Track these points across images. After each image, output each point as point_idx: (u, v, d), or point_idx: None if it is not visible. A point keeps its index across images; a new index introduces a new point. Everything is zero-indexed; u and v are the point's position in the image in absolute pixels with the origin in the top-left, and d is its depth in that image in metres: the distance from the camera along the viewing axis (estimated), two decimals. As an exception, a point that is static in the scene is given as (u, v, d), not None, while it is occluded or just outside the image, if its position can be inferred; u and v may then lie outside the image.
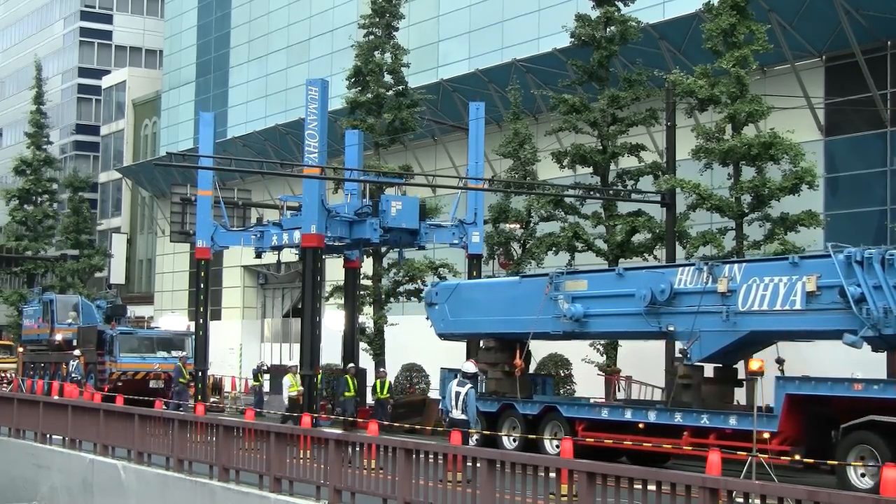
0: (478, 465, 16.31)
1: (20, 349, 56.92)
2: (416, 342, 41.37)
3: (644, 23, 37.54)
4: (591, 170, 37.25)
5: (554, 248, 36.73)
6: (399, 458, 17.42)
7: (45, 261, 70.75)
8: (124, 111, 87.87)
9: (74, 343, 47.14)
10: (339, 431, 23.24)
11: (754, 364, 23.77)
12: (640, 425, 24.96)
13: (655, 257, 34.49)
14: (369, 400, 39.43)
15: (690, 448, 23.47)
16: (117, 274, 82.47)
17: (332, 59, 54.30)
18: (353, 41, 44.70)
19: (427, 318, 31.66)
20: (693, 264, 25.23)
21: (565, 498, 15.10)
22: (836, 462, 20.26)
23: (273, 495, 20.00)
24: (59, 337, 49.45)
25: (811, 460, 20.96)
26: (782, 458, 21.62)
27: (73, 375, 44.66)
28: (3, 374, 54.63)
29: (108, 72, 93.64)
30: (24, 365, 53.38)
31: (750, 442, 21.64)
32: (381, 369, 38.68)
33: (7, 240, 75.11)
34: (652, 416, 24.87)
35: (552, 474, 15.82)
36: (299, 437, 20.63)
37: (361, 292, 41.00)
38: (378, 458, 18.56)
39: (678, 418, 24.14)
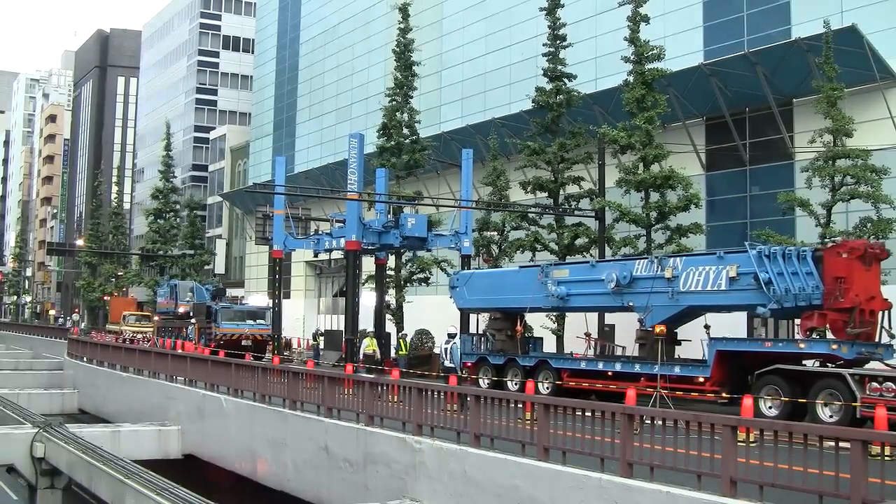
0: (468, 398, 16.21)
1: (155, 318, 56.88)
2: (425, 314, 41.33)
3: (583, 93, 37.42)
4: (546, 194, 37.09)
5: (521, 249, 36.56)
6: (413, 394, 17.33)
7: (171, 258, 70.65)
8: (224, 155, 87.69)
9: (191, 314, 47.09)
10: (371, 376, 23.09)
11: (657, 328, 23.54)
12: (609, 373, 23.98)
13: (591, 255, 34.31)
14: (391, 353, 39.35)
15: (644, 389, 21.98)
16: (219, 266, 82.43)
17: (367, 118, 54.11)
18: (381, 105, 44.55)
19: (451, 297, 30.83)
20: (647, 257, 24.20)
21: (528, 421, 15.01)
22: (751, 397, 19.46)
23: (326, 419, 19.90)
24: (181, 310, 49.42)
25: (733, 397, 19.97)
26: (713, 395, 21.04)
27: (189, 336, 44.64)
28: (143, 335, 54.58)
29: (213, 128, 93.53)
30: (158, 329, 53.37)
31: (688, 384, 21.40)
32: (403, 332, 38.36)
33: (147, 243, 75.27)
34: (618, 366, 24.04)
35: (520, 405, 15.75)
36: (344, 380, 20.51)
37: (387, 280, 40.83)
38: (399, 394, 18.48)
39: (637, 368, 23.26)
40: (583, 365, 25.08)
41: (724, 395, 20.66)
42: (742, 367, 21.17)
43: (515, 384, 26.35)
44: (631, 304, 24.00)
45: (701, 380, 21.43)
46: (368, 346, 32.68)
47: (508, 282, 28.70)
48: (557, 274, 26.37)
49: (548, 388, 24.90)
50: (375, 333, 36.82)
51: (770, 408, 19.29)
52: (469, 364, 28.30)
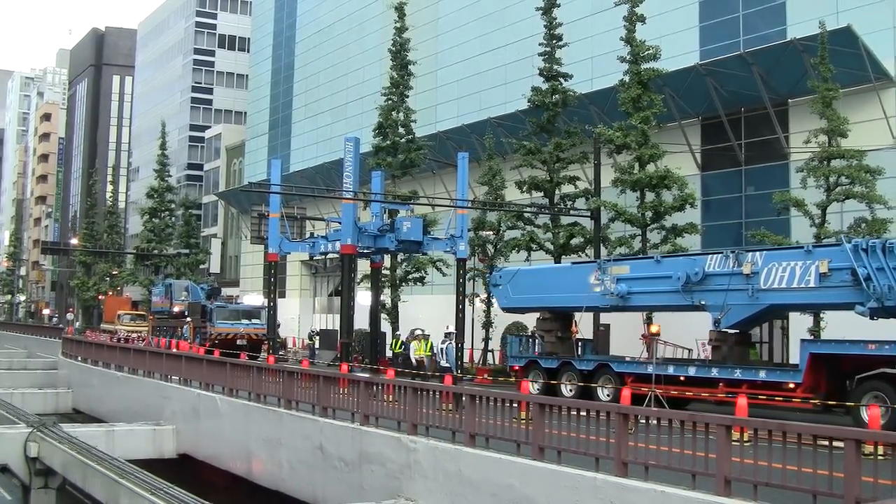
0: (464, 398, 16.22)
1: (150, 317, 56.84)
2: (419, 313, 41.32)
3: (578, 92, 37.47)
4: (542, 194, 37.16)
5: (516, 249, 36.61)
6: (408, 394, 17.35)
7: (166, 257, 70.60)
8: (220, 154, 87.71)
9: (186, 313, 47.06)
10: (367, 375, 23.09)
11: (654, 328, 23.30)
12: (682, 378, 22.01)
13: (587, 255, 34.34)
14: (388, 353, 39.33)
15: (723, 395, 20.69)
16: (215, 266, 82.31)
17: (363, 117, 54.15)
18: (377, 104, 44.57)
19: (491, 296, 29.62)
20: (721, 252, 22.26)
21: (524, 421, 15.03)
22: (852, 404, 18.27)
23: (321, 419, 19.91)
24: (176, 309, 49.36)
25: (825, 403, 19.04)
26: (804, 403, 19.58)
27: (184, 336, 44.60)
28: (138, 335, 54.49)
29: (209, 127, 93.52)
30: (153, 328, 53.29)
31: (776, 390, 19.91)
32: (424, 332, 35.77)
33: (141, 242, 75.07)
34: (692, 371, 22.09)
35: (514, 405, 15.76)
36: (339, 379, 20.50)
37: (382, 280, 40.74)
38: (394, 393, 18.49)
39: (714, 372, 21.43)
40: (650, 369, 22.68)
41: (817, 402, 19.33)
42: (838, 371, 19.54)
43: (570, 390, 24.59)
44: (703, 302, 22.24)
45: (791, 386, 19.78)
46: (417, 350, 28.92)
47: (559, 280, 27.01)
48: (616, 271, 24.52)
49: (608, 394, 23.30)
50: (426, 336, 30.61)
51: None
52: (517, 367, 26.94)
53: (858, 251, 19.02)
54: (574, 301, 25.64)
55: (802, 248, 20.83)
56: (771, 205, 29.57)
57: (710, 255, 22.59)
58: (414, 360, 28.76)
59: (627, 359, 25.30)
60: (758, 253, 21.49)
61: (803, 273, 20.00)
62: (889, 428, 16.26)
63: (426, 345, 28.20)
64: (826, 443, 10.67)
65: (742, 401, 13.53)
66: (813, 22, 29.31)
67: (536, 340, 27.33)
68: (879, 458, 10.53)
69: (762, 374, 20.59)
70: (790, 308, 22.28)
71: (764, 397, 19.86)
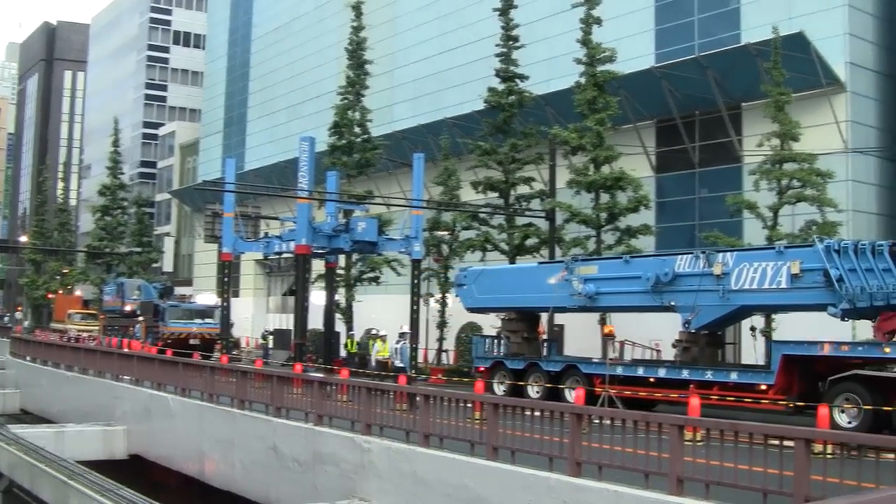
0: (418, 398, 16.18)
1: (101, 317, 55.99)
2: (374, 313, 41.17)
3: (535, 93, 37.59)
4: (497, 194, 37.20)
5: (471, 249, 36.60)
6: (363, 394, 17.26)
7: (118, 255, 69.59)
8: (174, 151, 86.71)
9: (138, 312, 46.44)
10: (321, 375, 22.92)
11: (607, 328, 23.39)
12: (651, 379, 21.71)
13: (541, 255, 34.42)
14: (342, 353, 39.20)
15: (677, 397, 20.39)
16: (168, 264, 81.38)
17: (319, 116, 53.72)
18: (333, 104, 44.32)
19: (456, 296, 29.02)
20: (691, 253, 22.00)
21: (478, 421, 15.02)
22: (825, 406, 17.02)
23: (275, 419, 19.75)
24: (128, 308, 48.74)
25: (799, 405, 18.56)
26: (778, 404, 19.32)
27: (136, 335, 43.98)
28: (89, 334, 53.60)
29: (163, 124, 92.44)
30: (104, 327, 52.49)
31: (748, 392, 19.76)
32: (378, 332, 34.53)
33: (93, 240, 73.85)
34: (661, 372, 21.72)
35: (469, 405, 15.75)
36: (293, 379, 20.35)
37: (336, 280, 40.52)
38: (348, 393, 18.40)
39: (685, 374, 21.01)
40: (619, 370, 22.38)
41: (790, 403, 19.06)
42: (811, 373, 19.35)
43: (537, 391, 24.15)
44: (673, 303, 21.92)
45: (763, 387, 19.57)
46: (381, 350, 27.89)
47: (525, 279, 26.47)
48: (584, 271, 24.09)
49: (572, 394, 22.37)
50: (382, 336, 29.91)
51: (843, 413, 17.45)
52: (482, 368, 26.37)
53: (830, 252, 18.85)
54: (541, 301, 25.29)
55: (774, 248, 20.70)
56: (724, 207, 29.90)
57: (680, 256, 22.23)
58: (374, 361, 28.16)
59: (595, 360, 24.96)
60: (728, 253, 21.28)
61: (775, 274, 19.82)
62: (862, 430, 16.43)
63: (386, 345, 27.89)
64: (777, 442, 10.80)
65: (695, 401, 13.63)
66: (767, 27, 29.70)
67: (502, 341, 26.85)
68: (828, 456, 10.67)
69: (734, 376, 20.41)
70: (761, 309, 22.24)
71: (720, 397, 19.87)
